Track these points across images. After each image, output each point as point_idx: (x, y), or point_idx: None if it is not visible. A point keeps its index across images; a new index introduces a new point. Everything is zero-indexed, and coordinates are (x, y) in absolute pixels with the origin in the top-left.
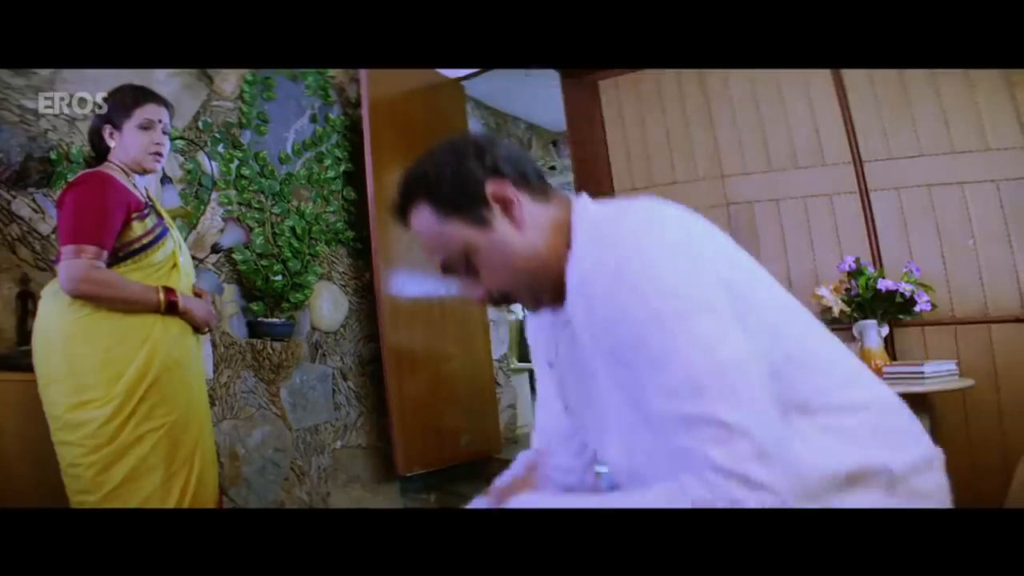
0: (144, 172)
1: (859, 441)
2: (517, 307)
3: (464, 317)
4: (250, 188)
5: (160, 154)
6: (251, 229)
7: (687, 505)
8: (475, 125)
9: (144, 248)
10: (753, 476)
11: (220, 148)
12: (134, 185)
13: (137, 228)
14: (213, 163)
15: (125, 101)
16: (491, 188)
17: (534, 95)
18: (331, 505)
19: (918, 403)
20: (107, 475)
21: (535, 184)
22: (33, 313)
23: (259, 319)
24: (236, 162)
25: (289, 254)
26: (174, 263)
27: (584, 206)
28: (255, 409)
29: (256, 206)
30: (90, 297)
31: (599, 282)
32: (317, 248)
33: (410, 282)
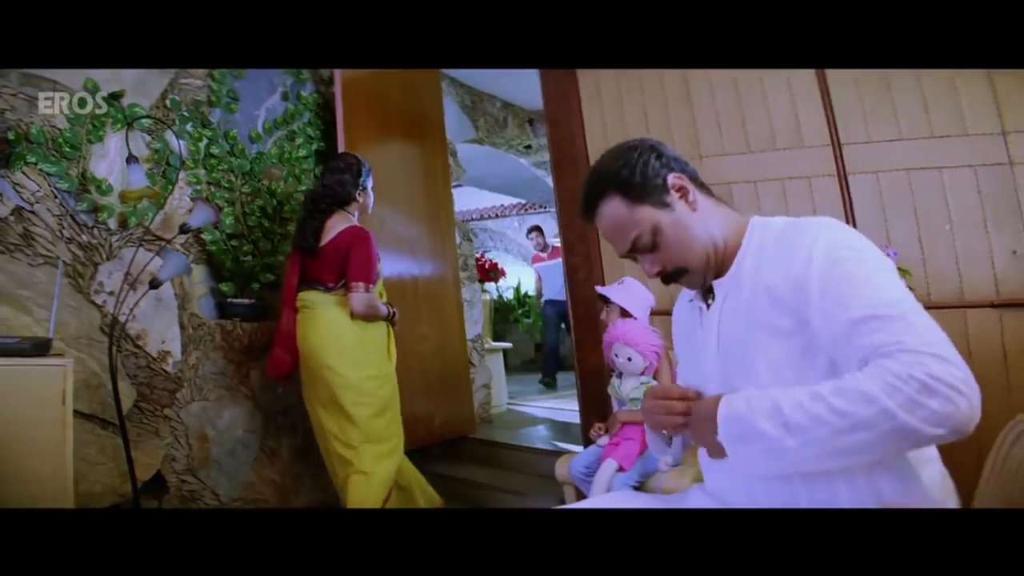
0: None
1: None
2: (491, 287)
3: (438, 297)
4: (220, 167)
5: None
6: (220, 209)
7: (888, 379)
8: (450, 103)
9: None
10: (941, 353)
11: (188, 127)
12: None
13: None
14: (181, 142)
15: (364, 168)
16: (671, 179)
17: (510, 73)
18: (301, 484)
19: None
20: (379, 419)
21: (700, 183)
22: None
23: (229, 300)
24: (205, 141)
25: (259, 234)
26: (381, 290)
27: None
28: (225, 390)
29: (226, 185)
30: (369, 316)
31: (789, 254)
32: (288, 228)
33: (383, 262)
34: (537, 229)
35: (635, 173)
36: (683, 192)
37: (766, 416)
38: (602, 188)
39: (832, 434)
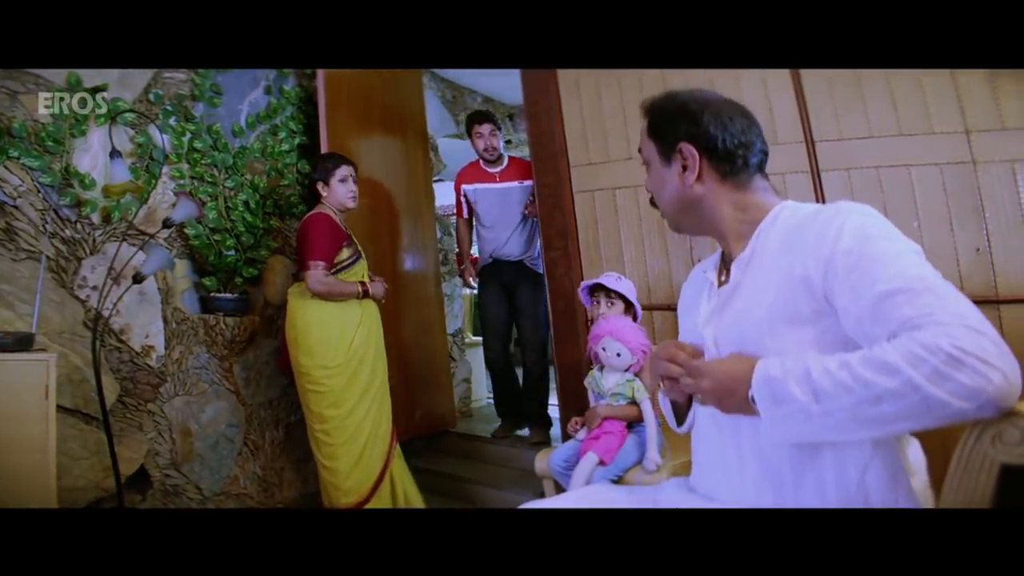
0: (346, 210)
1: None
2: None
3: (419, 292)
4: (203, 162)
5: (355, 196)
6: (204, 203)
7: (914, 350)
8: (431, 97)
9: (345, 267)
10: (972, 324)
11: (172, 121)
12: (343, 222)
13: (344, 252)
14: (164, 136)
15: (327, 165)
16: (681, 146)
17: (490, 68)
18: (284, 478)
19: None
20: (334, 410)
21: (737, 168)
22: None
23: (212, 294)
24: (188, 135)
25: (242, 228)
26: (362, 272)
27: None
28: (208, 385)
29: (209, 180)
30: (325, 294)
31: (820, 231)
32: (271, 222)
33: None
34: (487, 120)
35: (665, 116)
36: (683, 165)
37: (796, 381)
38: (650, 106)
39: (857, 403)
